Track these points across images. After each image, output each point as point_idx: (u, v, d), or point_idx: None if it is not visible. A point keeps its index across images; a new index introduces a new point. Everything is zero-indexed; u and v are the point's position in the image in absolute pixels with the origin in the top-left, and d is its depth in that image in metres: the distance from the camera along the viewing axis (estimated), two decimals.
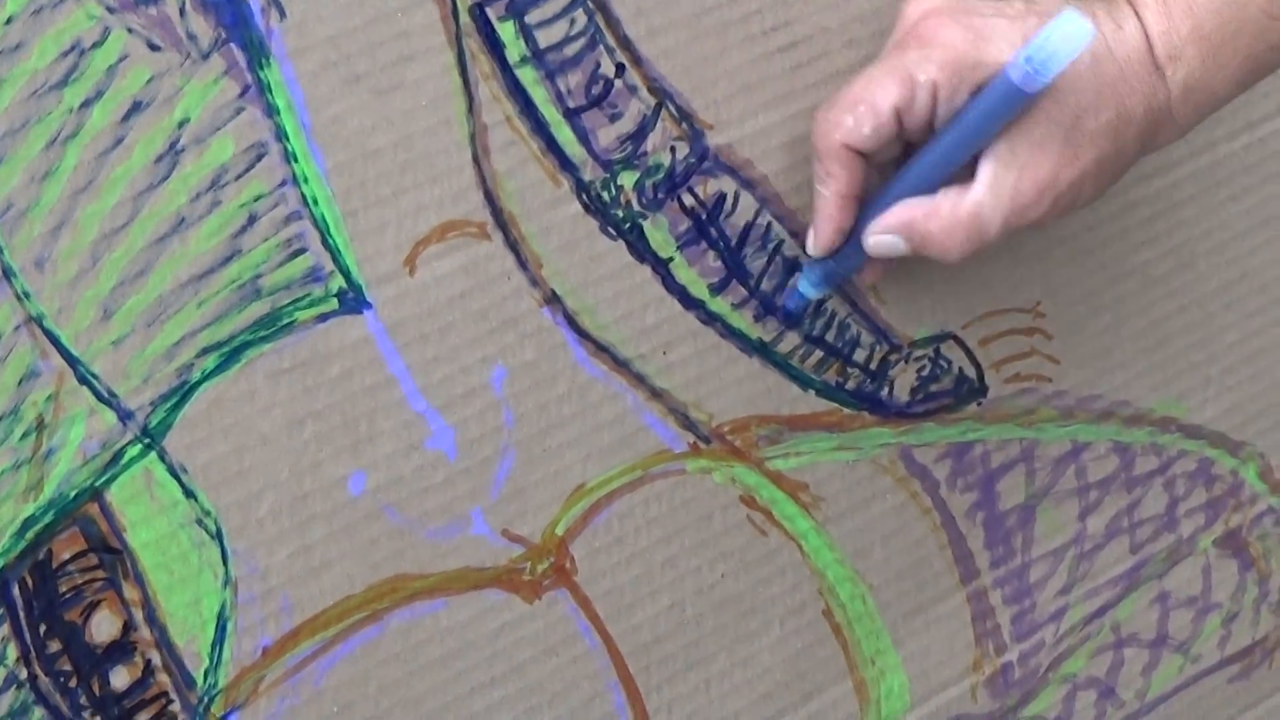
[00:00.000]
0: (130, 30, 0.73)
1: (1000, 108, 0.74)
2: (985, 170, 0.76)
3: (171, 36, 0.74)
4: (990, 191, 0.76)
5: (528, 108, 0.81)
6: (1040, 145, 0.75)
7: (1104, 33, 0.76)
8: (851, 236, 0.81)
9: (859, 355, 0.90)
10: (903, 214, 0.78)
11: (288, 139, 0.76)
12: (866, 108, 0.76)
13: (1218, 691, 1.04)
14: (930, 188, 0.78)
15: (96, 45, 0.72)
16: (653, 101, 0.84)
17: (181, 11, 0.74)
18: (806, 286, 0.86)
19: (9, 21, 0.71)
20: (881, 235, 0.79)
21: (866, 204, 0.81)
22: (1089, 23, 0.70)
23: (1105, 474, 0.97)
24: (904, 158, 0.80)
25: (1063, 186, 0.76)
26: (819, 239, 0.82)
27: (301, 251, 0.77)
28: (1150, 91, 0.76)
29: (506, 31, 0.80)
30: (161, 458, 0.76)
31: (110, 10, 0.72)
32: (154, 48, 0.73)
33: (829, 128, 0.78)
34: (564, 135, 0.82)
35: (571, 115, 0.82)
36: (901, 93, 0.76)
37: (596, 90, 0.82)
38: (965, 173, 0.77)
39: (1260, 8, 0.76)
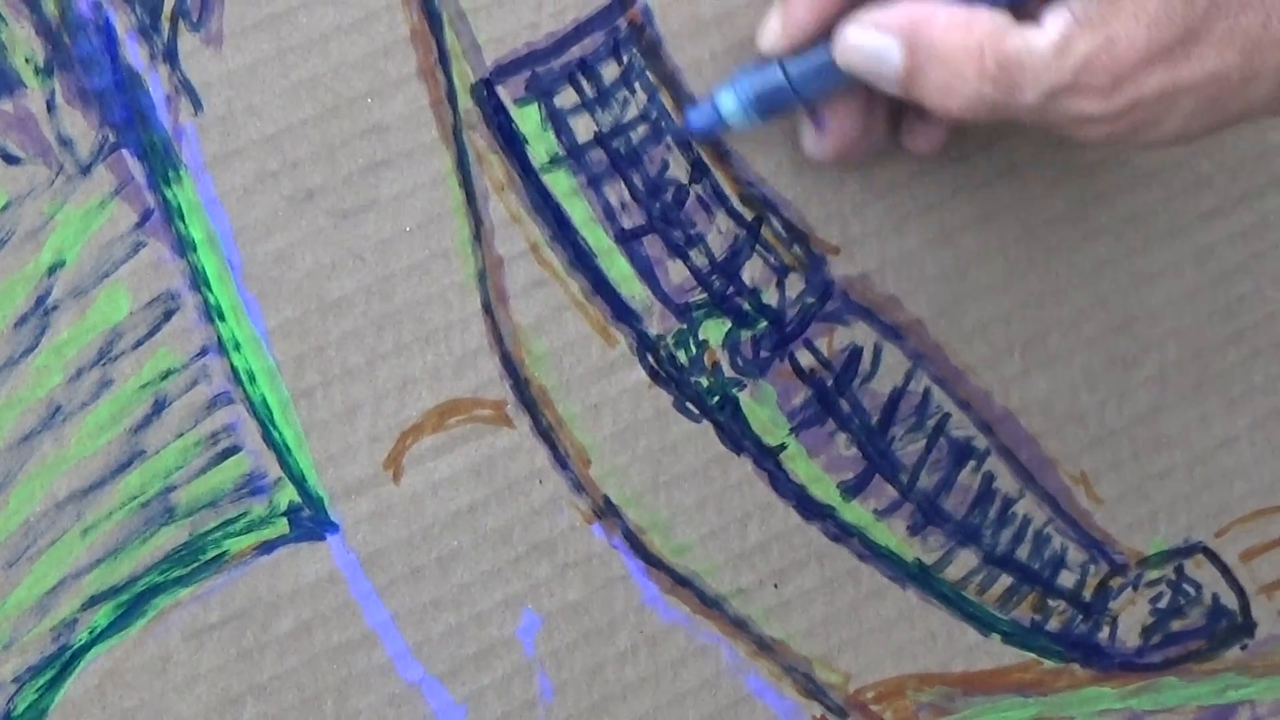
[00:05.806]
0: None
1: None
2: (1059, 18, 0.61)
3: (37, 142, 0.62)
4: (1053, 45, 0.60)
5: (562, 231, 0.67)
6: (1147, 20, 0.60)
7: None
8: (822, 46, 0.66)
9: (1065, 580, 0.74)
10: (914, 11, 0.63)
11: (209, 287, 0.63)
12: None
13: None
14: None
15: None
16: (748, 215, 0.69)
17: (50, 106, 0.61)
18: (730, 100, 0.66)
19: None
20: (870, 31, 0.63)
21: None
22: None
23: None
24: None
25: (1148, 89, 0.61)
26: (787, 21, 0.65)
27: (233, 451, 0.64)
28: None
29: (528, 120, 0.65)
30: None
31: None
32: (10, 159, 0.61)
33: None
34: (618, 269, 0.67)
35: (628, 239, 0.67)
36: None
37: (664, 201, 0.67)
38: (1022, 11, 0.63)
39: None
